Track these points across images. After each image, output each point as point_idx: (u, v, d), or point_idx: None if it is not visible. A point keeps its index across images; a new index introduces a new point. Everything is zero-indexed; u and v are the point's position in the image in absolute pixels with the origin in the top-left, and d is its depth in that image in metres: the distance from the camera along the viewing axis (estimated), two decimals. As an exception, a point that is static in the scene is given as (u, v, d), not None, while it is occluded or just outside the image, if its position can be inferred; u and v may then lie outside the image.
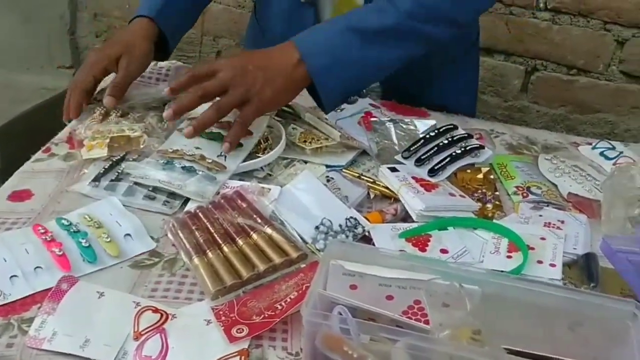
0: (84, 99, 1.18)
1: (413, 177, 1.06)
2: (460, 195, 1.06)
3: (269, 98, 1.09)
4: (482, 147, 1.15)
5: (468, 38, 1.48)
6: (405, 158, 1.13)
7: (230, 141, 1.07)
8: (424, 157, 1.12)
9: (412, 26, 1.16)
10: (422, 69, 1.29)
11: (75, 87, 1.18)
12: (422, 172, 1.10)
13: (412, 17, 1.15)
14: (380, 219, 1.00)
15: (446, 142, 1.14)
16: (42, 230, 0.91)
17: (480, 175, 1.13)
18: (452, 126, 1.19)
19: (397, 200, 1.04)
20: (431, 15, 1.17)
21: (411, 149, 1.14)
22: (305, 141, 1.15)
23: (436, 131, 1.17)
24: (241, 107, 1.08)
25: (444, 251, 0.94)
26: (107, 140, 1.11)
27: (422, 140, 1.15)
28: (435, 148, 1.13)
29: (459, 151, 1.13)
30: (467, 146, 1.14)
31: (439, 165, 1.10)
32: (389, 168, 1.09)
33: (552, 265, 0.94)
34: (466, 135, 1.17)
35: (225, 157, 1.08)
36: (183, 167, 1.05)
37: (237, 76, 1.07)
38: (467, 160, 1.13)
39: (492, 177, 1.14)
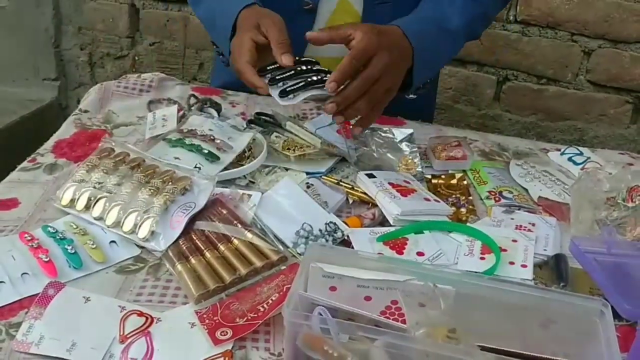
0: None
1: (390, 183, 1.09)
2: (435, 200, 1.09)
3: (397, 88, 1.15)
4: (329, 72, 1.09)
5: None
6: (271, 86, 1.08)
7: (365, 126, 1.13)
8: (279, 77, 1.08)
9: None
10: None
11: (244, 72, 1.09)
12: (274, 93, 1.07)
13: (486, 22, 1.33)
14: (359, 223, 1.02)
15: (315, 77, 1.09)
16: (29, 238, 0.92)
17: (454, 181, 1.17)
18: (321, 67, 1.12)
19: (374, 205, 1.07)
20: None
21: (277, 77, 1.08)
22: (288, 149, 1.17)
23: (308, 67, 1.11)
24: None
25: (420, 254, 0.97)
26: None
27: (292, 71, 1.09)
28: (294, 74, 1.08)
29: (315, 78, 1.08)
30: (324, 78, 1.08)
31: (292, 87, 1.07)
32: (366, 174, 1.11)
33: (524, 266, 0.96)
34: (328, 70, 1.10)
35: (200, 169, 1.08)
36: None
37: (389, 66, 1.07)
38: (319, 90, 1.08)
39: (465, 182, 1.17)
